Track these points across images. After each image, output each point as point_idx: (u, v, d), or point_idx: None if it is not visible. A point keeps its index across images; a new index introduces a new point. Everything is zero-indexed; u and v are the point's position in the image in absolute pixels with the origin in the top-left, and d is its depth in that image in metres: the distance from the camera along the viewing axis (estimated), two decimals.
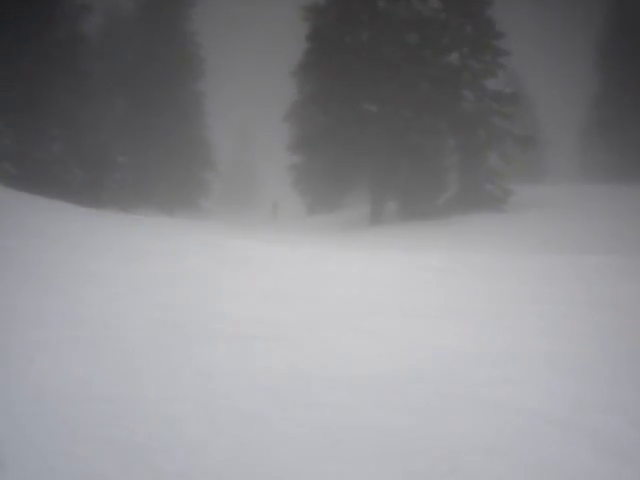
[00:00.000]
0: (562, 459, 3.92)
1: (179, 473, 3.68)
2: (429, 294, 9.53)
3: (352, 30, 26.56)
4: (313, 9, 26.98)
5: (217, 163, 39.12)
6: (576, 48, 60.61)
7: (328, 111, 26.47)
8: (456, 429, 4.34)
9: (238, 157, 62.72)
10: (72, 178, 30.13)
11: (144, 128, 33.69)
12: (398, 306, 8.41)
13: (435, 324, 7.36)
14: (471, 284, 10.51)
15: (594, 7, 50.99)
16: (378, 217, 26.87)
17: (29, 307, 6.76)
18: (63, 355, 5.44)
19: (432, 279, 10.78)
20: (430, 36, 26.77)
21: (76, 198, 25.80)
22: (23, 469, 3.51)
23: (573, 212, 22.42)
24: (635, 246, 16.01)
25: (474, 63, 27.46)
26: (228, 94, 56.79)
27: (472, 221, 23.03)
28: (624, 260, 12.76)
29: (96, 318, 6.68)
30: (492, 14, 27.52)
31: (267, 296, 8.60)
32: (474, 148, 26.97)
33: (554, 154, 57.06)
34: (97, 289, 8.13)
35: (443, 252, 14.91)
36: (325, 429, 4.33)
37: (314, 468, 3.82)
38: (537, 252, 15.13)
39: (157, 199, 33.84)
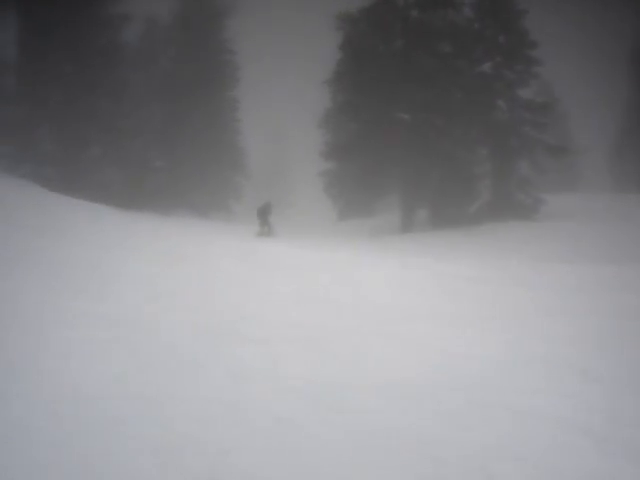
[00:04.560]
0: (597, 470, 3.88)
1: (210, 474, 3.72)
2: (460, 302, 9.53)
3: (385, 39, 26.79)
4: (346, 18, 27.28)
5: (249, 168, 39.74)
6: (610, 57, 60.03)
7: (361, 119, 26.74)
8: (488, 437, 4.34)
9: (270, 162, 63.19)
10: (110, 181, 30.86)
11: (180, 133, 34.32)
12: (429, 313, 8.43)
13: (467, 332, 7.36)
14: (502, 293, 10.47)
15: (628, 16, 50.50)
16: (409, 224, 27.03)
17: (67, 307, 6.90)
18: (99, 354, 5.55)
19: (463, 287, 10.77)
20: (464, 46, 26.88)
21: (114, 201, 26.49)
22: (62, 467, 3.59)
23: (603, 222, 22.31)
24: None
25: (507, 72, 27.50)
26: (262, 100, 57.41)
27: (503, 230, 22.96)
28: None
29: (131, 319, 6.80)
30: (526, 24, 27.61)
31: (299, 300, 8.69)
32: (506, 157, 27.00)
33: (586, 163, 56.50)
34: (132, 290, 8.27)
35: (474, 260, 14.92)
36: (357, 435, 4.33)
37: (347, 473, 3.82)
38: (567, 262, 15.11)
39: (191, 202, 34.41)
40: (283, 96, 70.44)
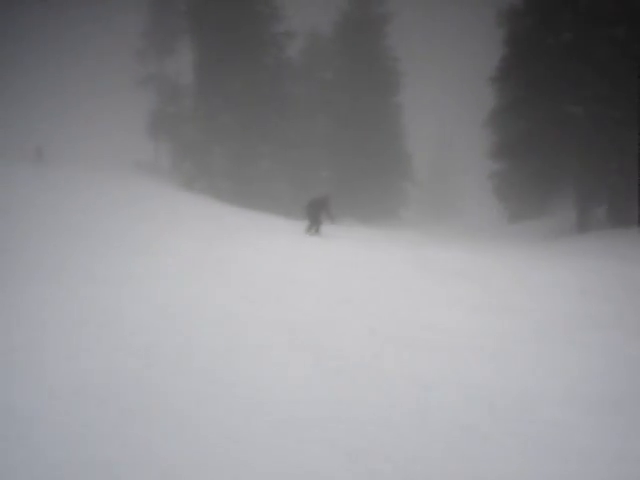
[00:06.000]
0: None
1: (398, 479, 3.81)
2: None
3: (553, 31, 25.41)
4: (511, 13, 26.31)
5: (415, 173, 39.26)
6: None
7: (530, 116, 25.57)
8: None
9: (434, 165, 62.40)
10: (279, 192, 32.15)
11: (345, 142, 34.87)
12: (619, 321, 7.88)
13: None
14: None
15: None
16: (585, 224, 25.38)
17: (249, 314, 7.31)
18: (283, 359, 5.85)
19: None
20: None
21: (282, 210, 27.58)
22: (256, 466, 3.83)
23: None
24: None
25: None
26: (424, 104, 56.88)
27: None
28: None
29: (309, 325, 7.07)
30: None
31: (475, 307, 8.51)
32: None
33: None
34: (308, 298, 8.54)
35: None
36: (546, 447, 4.23)
37: None
38: None
39: (358, 210, 34.72)
40: (444, 98, 69.41)
